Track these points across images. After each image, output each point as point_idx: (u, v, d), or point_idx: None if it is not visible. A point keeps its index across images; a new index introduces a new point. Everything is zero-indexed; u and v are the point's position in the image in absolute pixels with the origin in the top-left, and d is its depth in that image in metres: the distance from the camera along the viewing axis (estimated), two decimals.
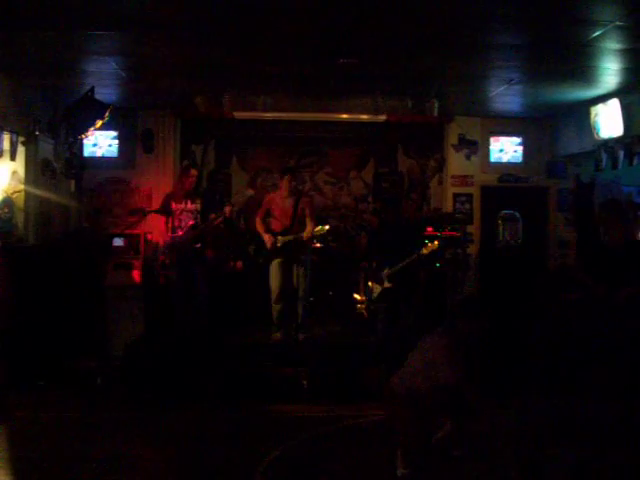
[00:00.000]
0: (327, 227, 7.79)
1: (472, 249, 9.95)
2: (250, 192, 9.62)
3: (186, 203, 7.76)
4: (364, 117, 9.42)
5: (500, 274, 9.12)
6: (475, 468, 4.62)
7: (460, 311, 4.66)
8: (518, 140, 10.28)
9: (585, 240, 9.21)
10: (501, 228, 9.67)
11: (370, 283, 7.76)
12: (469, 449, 4.77)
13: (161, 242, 8.40)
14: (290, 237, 7.66)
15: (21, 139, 7.79)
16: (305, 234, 7.62)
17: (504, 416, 4.19)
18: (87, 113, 7.86)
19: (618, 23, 5.53)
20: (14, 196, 7.70)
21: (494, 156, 10.29)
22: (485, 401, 4.26)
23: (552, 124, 10.12)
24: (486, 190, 10.25)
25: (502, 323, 5.76)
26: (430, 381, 4.37)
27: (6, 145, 7.47)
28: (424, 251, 6.94)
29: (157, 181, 9.62)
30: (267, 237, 7.74)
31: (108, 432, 5.50)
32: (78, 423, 5.71)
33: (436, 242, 7.00)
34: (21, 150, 7.83)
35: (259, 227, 7.90)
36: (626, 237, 5.78)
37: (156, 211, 8.19)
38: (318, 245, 8.70)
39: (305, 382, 6.63)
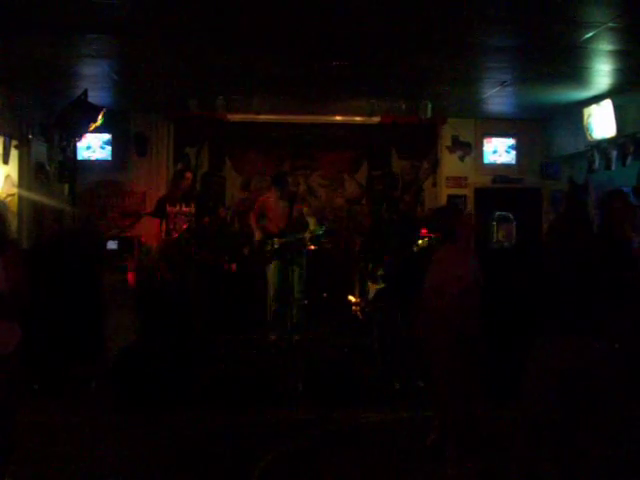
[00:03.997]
0: (323, 228, 7.81)
1: None
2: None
3: (180, 206, 7.75)
4: (358, 119, 9.42)
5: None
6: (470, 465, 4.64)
7: None
8: (512, 141, 10.30)
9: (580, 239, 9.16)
10: (495, 229, 9.67)
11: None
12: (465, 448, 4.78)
13: (155, 245, 8.38)
14: (286, 239, 7.66)
15: (14, 143, 7.77)
16: (301, 236, 7.64)
17: None
18: (80, 116, 7.83)
19: (610, 25, 5.56)
20: (7, 200, 7.68)
21: (488, 157, 10.30)
22: None
23: (545, 125, 10.15)
24: (480, 191, 10.26)
25: None
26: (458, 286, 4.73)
27: None
28: (414, 249, 6.97)
29: (151, 184, 9.61)
30: (258, 233, 7.80)
31: (101, 436, 5.48)
32: (72, 427, 5.68)
33: (426, 239, 7.02)
34: (14, 154, 7.81)
35: (252, 223, 7.98)
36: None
37: (150, 214, 8.17)
38: (313, 247, 8.69)
39: (300, 384, 6.62)
